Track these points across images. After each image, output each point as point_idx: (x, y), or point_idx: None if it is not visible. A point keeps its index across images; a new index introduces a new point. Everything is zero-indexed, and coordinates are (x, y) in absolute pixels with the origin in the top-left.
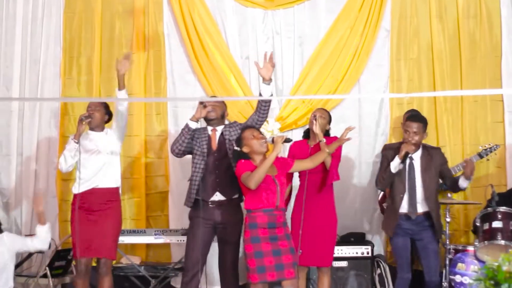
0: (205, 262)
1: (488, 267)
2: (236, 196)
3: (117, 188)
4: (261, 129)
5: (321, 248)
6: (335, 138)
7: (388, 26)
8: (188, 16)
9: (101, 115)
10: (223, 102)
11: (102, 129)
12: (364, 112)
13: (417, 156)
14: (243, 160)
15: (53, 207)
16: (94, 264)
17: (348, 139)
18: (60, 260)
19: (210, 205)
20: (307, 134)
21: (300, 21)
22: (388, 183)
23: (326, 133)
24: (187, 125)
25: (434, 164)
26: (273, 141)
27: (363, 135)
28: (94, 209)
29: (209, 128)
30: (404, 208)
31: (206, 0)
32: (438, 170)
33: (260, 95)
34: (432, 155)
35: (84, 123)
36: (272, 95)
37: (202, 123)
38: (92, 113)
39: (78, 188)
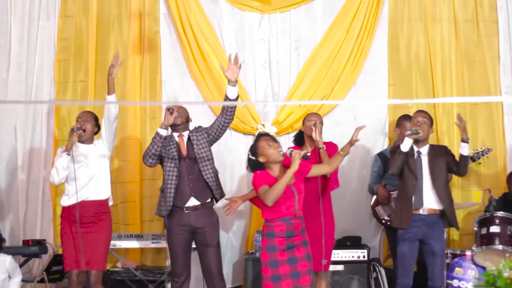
0: (190, 265)
1: (489, 273)
2: (209, 200)
3: (106, 200)
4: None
5: (319, 253)
6: (331, 143)
7: (385, 30)
8: (186, 19)
9: (92, 127)
10: (184, 107)
11: (91, 141)
12: (360, 115)
13: (424, 151)
14: (259, 172)
15: (48, 210)
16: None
17: (357, 140)
18: (57, 265)
19: (185, 211)
20: (299, 140)
21: (297, 25)
22: (400, 166)
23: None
24: (158, 133)
25: (441, 158)
26: (290, 154)
27: (359, 142)
28: (84, 222)
29: (175, 134)
30: (413, 205)
31: (203, 3)
32: (445, 164)
33: (226, 97)
34: (439, 150)
35: (75, 133)
36: (238, 96)
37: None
38: (83, 123)
39: (67, 200)
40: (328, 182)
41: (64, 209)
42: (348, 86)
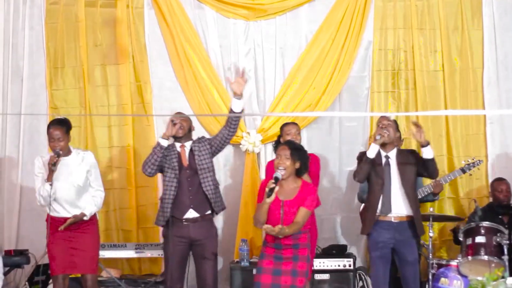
0: (184, 278)
1: (473, 286)
2: (209, 211)
3: (93, 215)
4: (243, 141)
5: None
6: (312, 155)
7: (370, 38)
8: (172, 26)
9: (66, 142)
10: (189, 117)
11: (69, 152)
12: (344, 122)
13: (393, 155)
14: (264, 181)
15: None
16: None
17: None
18: (39, 275)
19: (184, 223)
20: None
21: (282, 32)
22: (366, 173)
23: None
24: (158, 144)
25: (410, 163)
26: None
27: (344, 146)
28: (71, 229)
29: (177, 144)
30: (380, 210)
31: (188, 10)
32: (415, 169)
33: (231, 109)
34: (408, 154)
35: (56, 164)
36: (243, 110)
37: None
38: (57, 146)
39: (53, 210)
40: None
41: (49, 215)
42: (333, 94)
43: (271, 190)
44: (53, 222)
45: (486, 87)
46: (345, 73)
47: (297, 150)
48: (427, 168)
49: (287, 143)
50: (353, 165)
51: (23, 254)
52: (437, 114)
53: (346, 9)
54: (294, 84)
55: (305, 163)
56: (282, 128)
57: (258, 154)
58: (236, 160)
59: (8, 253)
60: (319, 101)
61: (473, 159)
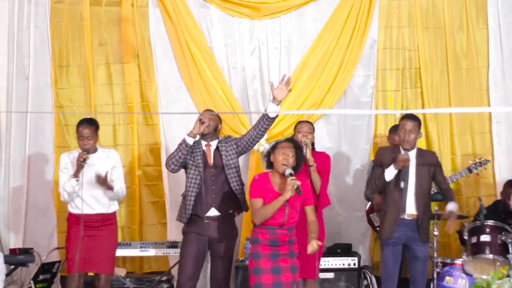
0: (198, 277)
1: (478, 285)
2: (231, 211)
3: (114, 213)
4: None
5: (307, 261)
6: (323, 154)
7: (375, 36)
8: (177, 24)
9: (94, 141)
10: (217, 115)
11: (96, 150)
12: (349, 121)
13: (412, 156)
14: (257, 176)
15: (51, 218)
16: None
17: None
18: (44, 274)
19: (205, 221)
20: None
21: (287, 31)
22: (380, 190)
23: (312, 146)
24: (184, 141)
25: (428, 166)
26: (285, 174)
27: (348, 145)
28: (91, 226)
29: (203, 142)
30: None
31: (193, 8)
32: (432, 172)
33: (265, 112)
34: (426, 156)
35: (85, 162)
36: (278, 115)
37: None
38: (86, 144)
39: (75, 208)
40: (319, 200)
41: (71, 214)
42: (338, 92)
43: (298, 187)
44: (75, 219)
45: (492, 86)
46: (349, 72)
47: (299, 150)
48: (444, 193)
49: (292, 141)
50: (357, 164)
51: (28, 252)
52: (441, 112)
53: (351, 8)
54: (299, 83)
55: (299, 163)
56: (295, 126)
57: (263, 152)
58: (241, 158)
59: (13, 252)
60: (323, 99)
61: (480, 159)
